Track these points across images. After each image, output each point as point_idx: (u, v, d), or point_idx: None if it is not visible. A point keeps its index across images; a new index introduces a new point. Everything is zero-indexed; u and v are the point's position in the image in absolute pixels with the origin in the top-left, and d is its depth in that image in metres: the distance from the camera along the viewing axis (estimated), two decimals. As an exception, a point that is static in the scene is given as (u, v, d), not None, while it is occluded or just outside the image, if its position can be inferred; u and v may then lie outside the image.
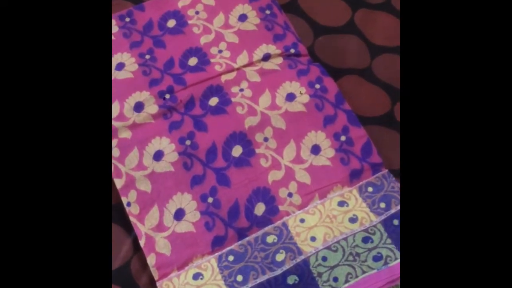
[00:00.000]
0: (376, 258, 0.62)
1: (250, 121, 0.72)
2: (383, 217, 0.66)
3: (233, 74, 0.76)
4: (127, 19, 0.82)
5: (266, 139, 0.71)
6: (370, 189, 0.69)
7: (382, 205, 0.67)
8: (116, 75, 0.76)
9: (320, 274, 0.62)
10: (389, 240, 0.63)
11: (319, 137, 0.72)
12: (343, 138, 0.72)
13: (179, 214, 0.66)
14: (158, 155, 0.70)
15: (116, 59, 0.78)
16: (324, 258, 0.63)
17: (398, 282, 0.61)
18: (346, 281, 0.61)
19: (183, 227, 0.65)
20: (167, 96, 0.74)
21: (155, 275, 0.63)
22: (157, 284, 0.62)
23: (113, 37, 0.80)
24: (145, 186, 0.68)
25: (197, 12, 0.82)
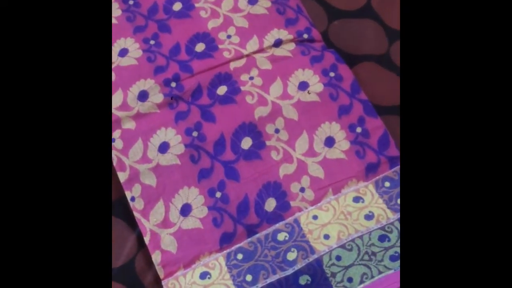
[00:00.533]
0: (394, 258, 0.59)
1: (260, 111, 0.69)
2: (400, 214, 0.62)
3: (243, 61, 0.73)
4: (131, 2, 0.78)
5: (277, 131, 0.68)
6: (387, 184, 0.65)
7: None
8: (119, 61, 0.72)
9: (333, 274, 0.59)
10: (407, 239, 0.60)
11: (333, 128, 0.68)
12: (358, 129, 0.68)
13: (185, 210, 0.63)
14: (164, 147, 0.66)
15: (119, 44, 0.74)
16: (338, 258, 0.60)
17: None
18: (361, 282, 0.58)
19: (190, 223, 0.63)
20: (173, 84, 0.71)
21: (161, 274, 0.60)
22: (163, 283, 0.60)
23: (116, 21, 0.76)
24: (150, 180, 0.64)
25: (204, -6, 0.78)
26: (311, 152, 0.67)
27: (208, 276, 0.60)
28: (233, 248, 0.61)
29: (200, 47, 0.74)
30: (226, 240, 0.62)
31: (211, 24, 0.76)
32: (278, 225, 0.63)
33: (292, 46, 0.74)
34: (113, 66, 0.72)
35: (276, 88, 0.70)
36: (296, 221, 0.63)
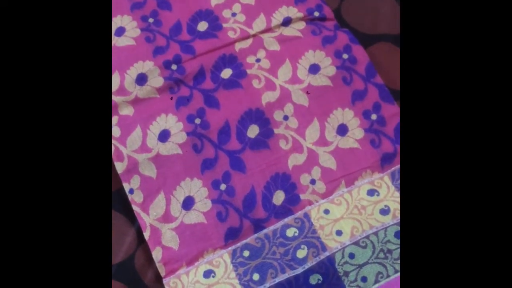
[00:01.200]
0: (411, 256, 0.56)
1: (268, 97, 0.64)
2: (418, 208, 0.58)
3: (249, 41, 0.68)
4: (128, -24, 0.72)
5: (286, 118, 0.63)
6: (404, 175, 0.61)
7: (418, 194, 0.59)
8: (115, 41, 0.67)
9: (346, 273, 0.55)
10: (426, 236, 0.56)
11: (346, 115, 0.64)
12: (374, 116, 0.64)
13: (188, 203, 0.59)
14: (164, 135, 0.62)
15: (115, 23, 0.69)
16: (352, 255, 0.56)
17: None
18: (376, 281, 0.55)
19: (193, 217, 0.59)
20: (174, 67, 0.66)
21: (162, 271, 0.57)
22: (164, 281, 0.56)
23: (112, -3, 0.70)
24: (150, 170, 0.60)
25: (207, -32, 0.72)
26: (322, 141, 0.62)
27: (213, 274, 0.56)
28: (239, 244, 0.58)
29: (202, 26, 0.69)
30: (232, 235, 0.58)
31: (214, 1, 0.70)
32: (287, 220, 0.59)
33: (302, 25, 0.69)
34: (109, 46, 0.67)
35: (285, 71, 0.66)
36: (306, 215, 0.59)
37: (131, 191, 0.60)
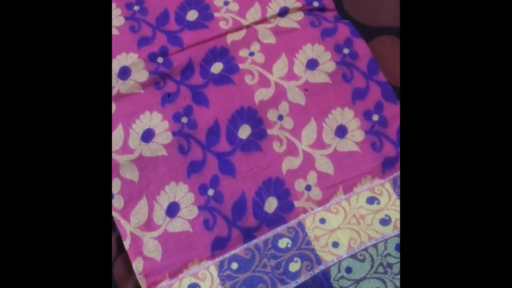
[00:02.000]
0: (412, 271, 0.52)
1: (262, 94, 0.61)
2: (422, 218, 0.55)
3: (242, 33, 0.64)
4: (112, -40, 0.67)
5: (280, 118, 0.60)
6: (406, 182, 0.57)
7: (421, 203, 0.55)
8: (97, 31, 0.63)
9: (342, 289, 0.52)
10: (429, 250, 0.53)
11: (346, 115, 0.60)
12: (375, 117, 0.60)
13: (172, 209, 0.56)
14: (148, 135, 0.58)
15: (97, 10, 0.64)
16: (348, 269, 0.53)
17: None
18: (375, 298, 0.52)
19: (177, 225, 0.55)
20: (160, 59, 0.62)
21: (142, 284, 0.53)
22: (145, 294, 0.53)
23: (94, -18, 0.66)
24: (131, 173, 0.57)
25: (198, -48, 0.68)
26: (319, 144, 0.59)
27: (197, 288, 0.52)
28: (227, 255, 0.54)
29: (192, 15, 0.65)
30: (219, 245, 0.55)
31: (205, -12, 0.67)
32: (279, 229, 0.55)
33: (300, 15, 0.66)
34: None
35: (280, 67, 0.62)
36: (301, 224, 0.55)
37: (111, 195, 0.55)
